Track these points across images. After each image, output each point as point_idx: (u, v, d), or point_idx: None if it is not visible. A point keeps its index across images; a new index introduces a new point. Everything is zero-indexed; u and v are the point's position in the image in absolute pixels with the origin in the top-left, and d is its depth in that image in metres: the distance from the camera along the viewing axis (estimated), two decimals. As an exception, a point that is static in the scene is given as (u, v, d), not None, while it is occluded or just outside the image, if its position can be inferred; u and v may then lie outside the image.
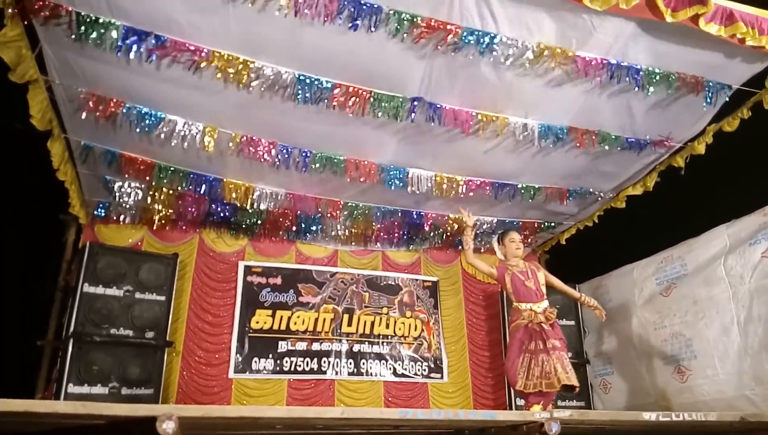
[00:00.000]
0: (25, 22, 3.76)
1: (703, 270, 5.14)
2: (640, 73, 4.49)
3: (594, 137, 5.21)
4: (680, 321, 5.22)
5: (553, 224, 7.12)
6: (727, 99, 4.78)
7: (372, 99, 4.60)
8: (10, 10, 3.63)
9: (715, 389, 4.85)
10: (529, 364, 4.20)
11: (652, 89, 4.61)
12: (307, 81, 4.42)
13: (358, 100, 4.57)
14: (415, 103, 4.69)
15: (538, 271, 4.63)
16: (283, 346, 6.47)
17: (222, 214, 6.20)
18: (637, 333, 5.71)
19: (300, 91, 4.43)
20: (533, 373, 4.15)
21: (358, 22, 3.89)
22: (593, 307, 4.70)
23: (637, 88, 4.60)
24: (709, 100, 4.70)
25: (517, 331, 4.37)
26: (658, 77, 4.52)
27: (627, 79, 4.51)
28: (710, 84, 4.63)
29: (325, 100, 4.53)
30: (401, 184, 5.77)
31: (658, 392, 5.41)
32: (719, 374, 4.82)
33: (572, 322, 6.61)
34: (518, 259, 4.66)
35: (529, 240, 7.37)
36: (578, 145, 5.24)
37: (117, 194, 5.71)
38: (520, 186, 6.10)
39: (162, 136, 4.87)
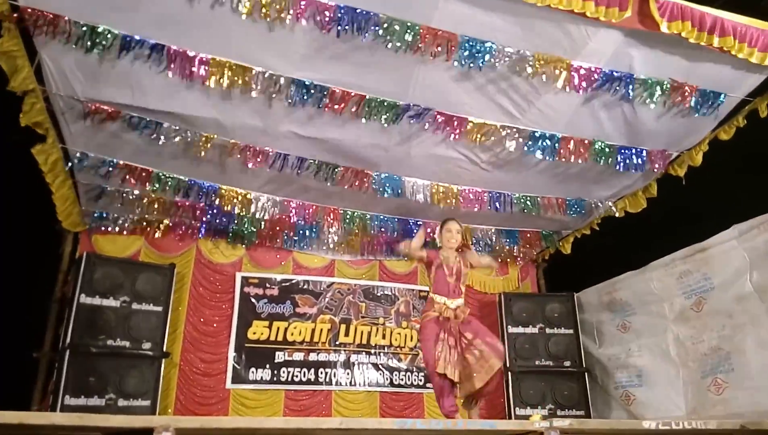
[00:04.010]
0: (24, 32, 3.77)
1: (730, 285, 5.11)
2: (635, 82, 4.51)
3: (588, 146, 5.23)
4: (718, 335, 5.19)
5: (551, 233, 7.14)
6: (718, 108, 4.81)
7: (366, 103, 4.63)
8: (7, 21, 3.65)
9: (750, 401, 4.77)
10: (452, 357, 4.17)
11: (646, 98, 4.64)
12: (304, 86, 4.45)
13: (353, 104, 4.60)
14: (409, 108, 4.71)
15: (464, 268, 4.52)
16: (280, 357, 6.46)
17: (219, 223, 6.20)
18: (673, 347, 5.66)
19: (296, 96, 4.45)
20: (451, 360, 4.15)
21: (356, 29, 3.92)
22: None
23: (631, 97, 4.63)
24: (703, 109, 4.74)
25: (430, 322, 4.32)
26: (652, 87, 4.55)
27: (621, 88, 4.54)
28: (705, 93, 4.65)
29: (321, 105, 4.56)
30: (396, 193, 5.78)
31: (690, 405, 5.37)
32: (757, 386, 4.76)
33: (570, 331, 6.60)
34: (452, 250, 4.53)
35: (522, 251, 7.39)
36: (572, 154, 5.25)
37: (114, 204, 5.71)
38: (515, 196, 6.11)
39: (160, 144, 4.88)
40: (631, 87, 4.53)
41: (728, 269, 5.15)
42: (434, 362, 4.16)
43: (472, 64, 4.24)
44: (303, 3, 3.80)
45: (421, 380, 6.87)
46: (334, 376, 6.59)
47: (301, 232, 6.60)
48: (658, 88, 4.56)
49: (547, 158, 5.33)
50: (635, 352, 6.14)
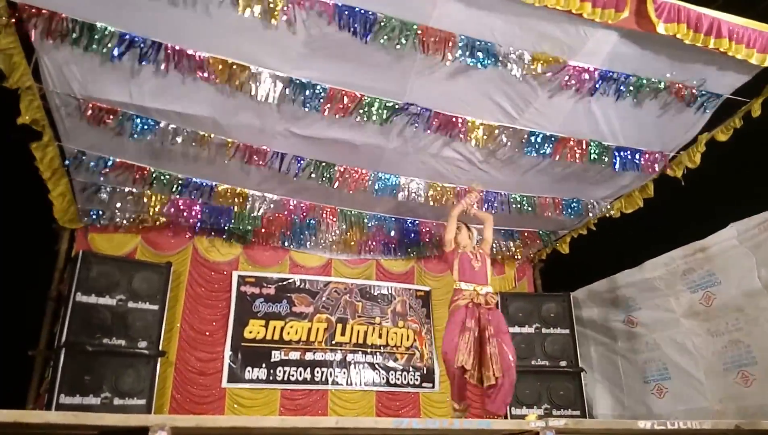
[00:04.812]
0: (21, 29, 3.76)
1: (738, 282, 5.18)
2: (631, 82, 4.52)
3: (585, 147, 5.25)
4: (734, 329, 5.27)
5: (548, 233, 7.15)
6: (707, 110, 4.83)
7: (364, 103, 4.62)
8: (4, 19, 3.64)
9: None
10: (473, 346, 4.16)
11: (642, 98, 4.66)
12: (301, 85, 4.44)
13: (350, 103, 4.59)
14: (407, 108, 4.72)
15: (487, 256, 4.62)
16: (276, 356, 6.46)
17: (216, 221, 6.19)
18: (689, 340, 5.72)
19: (294, 95, 4.45)
20: (474, 357, 4.13)
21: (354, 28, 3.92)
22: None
23: (627, 97, 4.65)
24: (699, 108, 4.76)
25: (459, 310, 4.31)
26: (648, 86, 4.56)
27: (618, 88, 4.55)
28: (701, 93, 4.67)
29: (318, 104, 4.55)
30: (394, 193, 5.78)
31: (716, 397, 5.43)
32: None
33: (566, 331, 6.60)
34: (466, 246, 4.61)
35: (519, 251, 7.41)
36: (569, 154, 5.27)
37: (111, 202, 5.70)
38: (513, 196, 6.12)
39: (156, 142, 4.88)
40: (627, 87, 4.55)
41: (734, 267, 5.22)
42: (453, 353, 4.17)
43: (469, 64, 4.24)
44: (301, 2, 3.80)
45: (417, 380, 6.88)
46: (331, 375, 6.58)
47: (298, 231, 6.60)
48: (654, 87, 4.57)
49: (544, 158, 5.34)
50: (654, 346, 6.16)
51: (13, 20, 3.68)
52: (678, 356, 5.83)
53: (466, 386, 4.30)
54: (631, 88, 4.57)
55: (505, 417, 6.15)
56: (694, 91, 4.62)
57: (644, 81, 4.54)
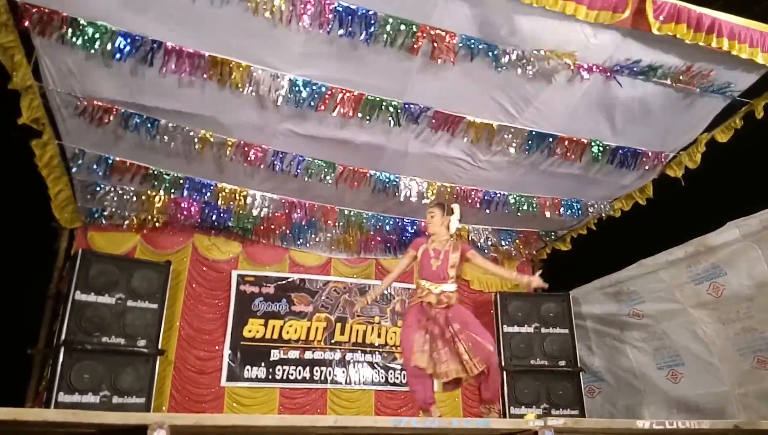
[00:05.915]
0: (21, 28, 3.76)
1: (747, 272, 5.23)
2: (632, 81, 4.52)
3: (585, 146, 5.25)
4: (746, 316, 5.33)
5: (548, 233, 7.16)
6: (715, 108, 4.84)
7: (364, 102, 4.62)
8: (4, 17, 3.64)
9: None
10: (431, 346, 4.10)
11: (643, 98, 4.66)
12: (302, 84, 4.44)
13: (351, 103, 4.59)
14: (408, 107, 4.72)
15: (453, 252, 4.28)
16: (275, 355, 6.47)
17: (216, 220, 6.19)
18: (700, 329, 5.77)
19: (295, 94, 4.45)
20: (439, 357, 4.07)
21: (355, 27, 3.92)
22: (534, 283, 4.34)
23: (628, 96, 4.65)
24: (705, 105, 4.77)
25: (412, 308, 4.29)
26: (650, 85, 4.56)
27: (620, 85, 4.54)
28: (712, 90, 4.64)
29: (319, 103, 4.55)
30: (394, 192, 5.78)
31: (734, 380, 5.50)
32: None
33: (565, 331, 6.60)
34: (435, 234, 4.38)
35: (519, 250, 7.42)
36: (569, 154, 5.27)
37: (110, 200, 5.70)
38: (512, 196, 6.12)
39: (156, 141, 4.87)
40: (629, 86, 4.54)
41: (739, 259, 5.26)
42: (409, 352, 4.10)
43: (470, 63, 4.24)
44: (302, 1, 3.80)
45: (416, 379, 6.88)
46: (330, 374, 6.60)
47: (297, 230, 6.60)
48: (657, 87, 4.56)
49: (544, 158, 5.34)
50: (662, 335, 6.20)
51: (13, 18, 3.68)
52: (689, 343, 5.89)
53: (428, 383, 4.18)
54: (632, 88, 4.56)
55: (501, 410, 6.17)
56: (697, 89, 4.61)
57: (646, 81, 4.53)
